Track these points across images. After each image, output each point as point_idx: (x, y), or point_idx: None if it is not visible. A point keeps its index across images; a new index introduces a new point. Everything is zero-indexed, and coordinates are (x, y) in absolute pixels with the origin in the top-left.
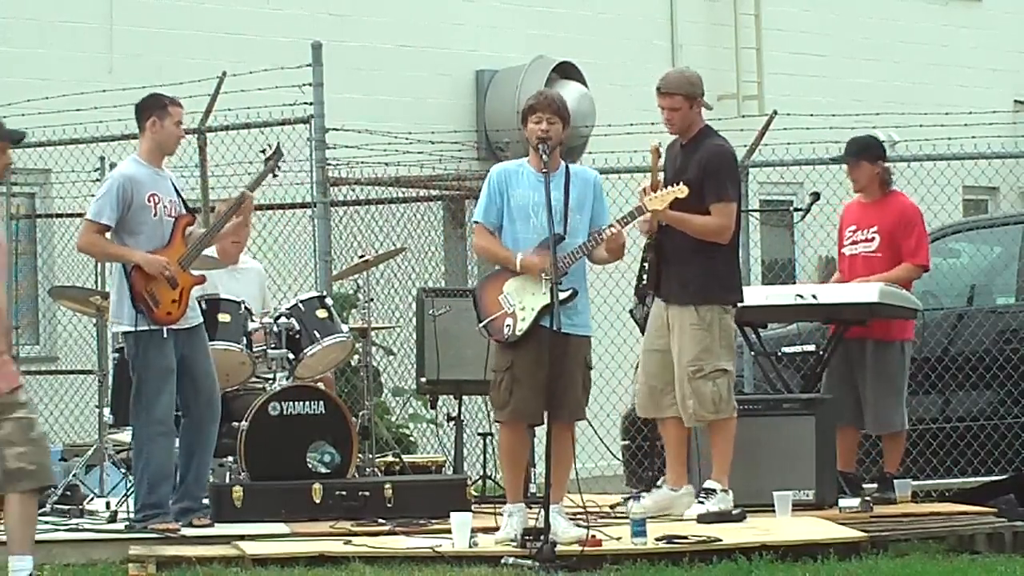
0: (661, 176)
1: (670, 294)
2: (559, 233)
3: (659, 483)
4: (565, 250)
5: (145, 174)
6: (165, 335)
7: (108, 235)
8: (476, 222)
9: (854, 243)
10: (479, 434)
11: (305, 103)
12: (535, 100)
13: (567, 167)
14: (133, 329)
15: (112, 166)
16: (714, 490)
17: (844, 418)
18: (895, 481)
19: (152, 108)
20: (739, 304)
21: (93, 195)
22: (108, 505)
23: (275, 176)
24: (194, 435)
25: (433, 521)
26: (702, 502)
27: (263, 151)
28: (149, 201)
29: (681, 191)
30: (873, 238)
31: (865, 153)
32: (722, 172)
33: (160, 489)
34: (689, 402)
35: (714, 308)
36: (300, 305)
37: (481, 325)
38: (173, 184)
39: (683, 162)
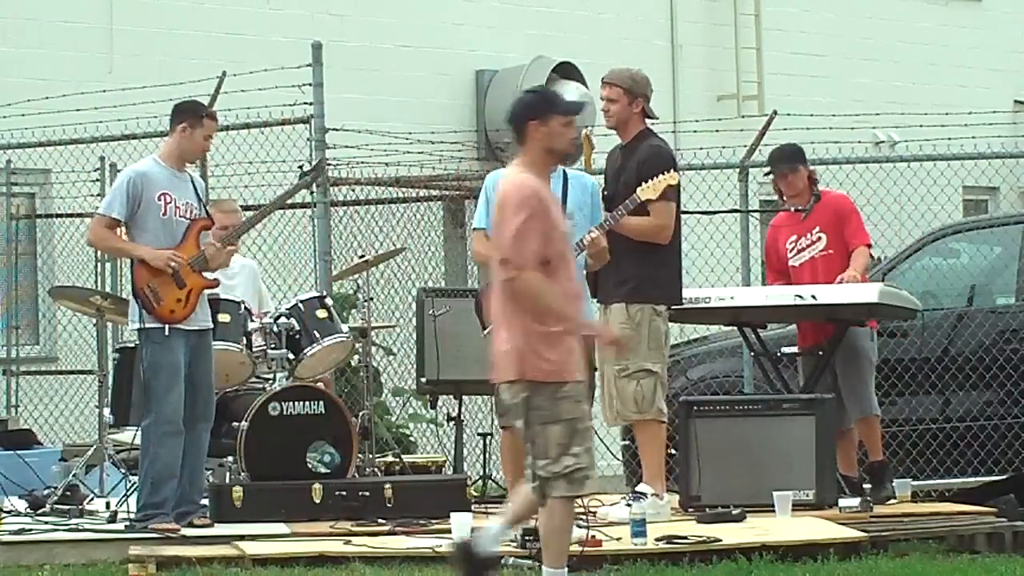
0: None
1: (606, 295)
2: None
3: (638, 489)
4: None
5: (160, 173)
6: (168, 332)
7: (121, 231)
8: (476, 229)
9: (801, 250)
10: (479, 434)
11: (305, 103)
12: None
13: (564, 172)
14: (139, 326)
15: (112, 166)
16: (644, 494)
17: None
18: (896, 481)
19: (188, 115)
20: (674, 306)
21: (93, 195)
22: (108, 505)
23: (318, 186)
24: (187, 439)
25: (433, 521)
26: (629, 504)
27: (300, 166)
28: (159, 200)
29: (672, 177)
30: (820, 238)
31: (796, 161)
32: (659, 171)
33: (163, 488)
34: (613, 402)
35: (645, 308)
36: (300, 305)
37: (486, 332)
38: (195, 187)
39: (622, 162)
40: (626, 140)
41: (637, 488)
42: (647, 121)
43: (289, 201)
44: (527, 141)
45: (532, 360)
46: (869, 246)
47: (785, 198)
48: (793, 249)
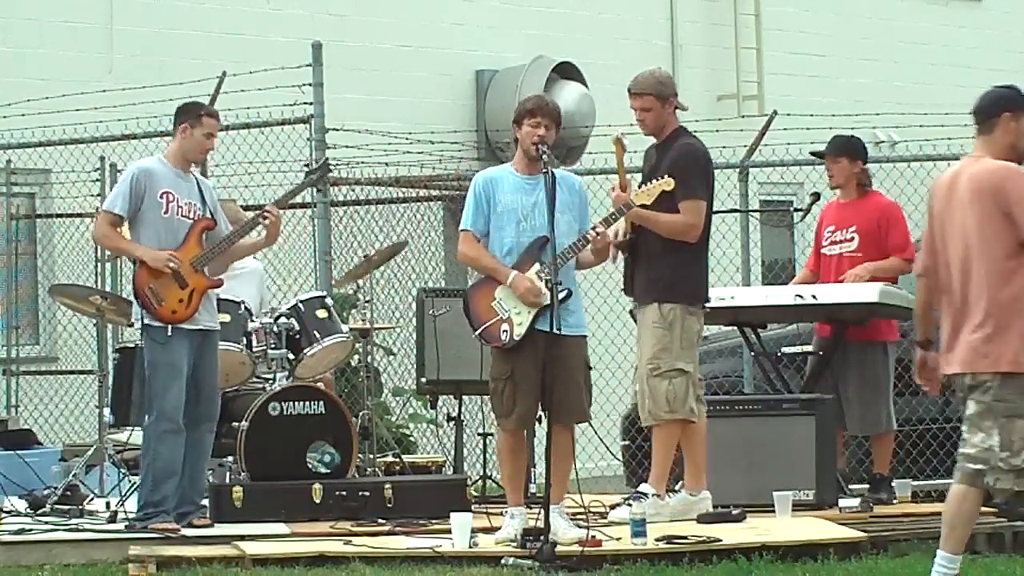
0: (637, 175)
1: (639, 293)
2: (547, 236)
3: (678, 487)
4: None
5: (164, 172)
6: (170, 333)
7: (125, 228)
8: (463, 230)
9: (833, 243)
10: (479, 434)
11: (305, 103)
12: (535, 104)
13: (553, 171)
14: (142, 324)
15: (112, 166)
16: (644, 494)
17: None
18: (895, 481)
19: (187, 115)
20: (706, 305)
21: (93, 195)
22: (108, 505)
23: (319, 190)
24: (190, 440)
25: (433, 521)
26: (630, 504)
27: (307, 165)
28: (161, 198)
29: (667, 183)
30: (852, 238)
31: (843, 151)
32: (692, 170)
33: (164, 486)
34: (646, 401)
35: (676, 308)
36: (300, 305)
37: (476, 333)
38: (200, 189)
39: (657, 161)
40: (661, 139)
41: (639, 488)
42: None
43: (289, 201)
44: (993, 131)
45: (1005, 351)
46: (908, 261)
47: (831, 186)
48: (828, 240)
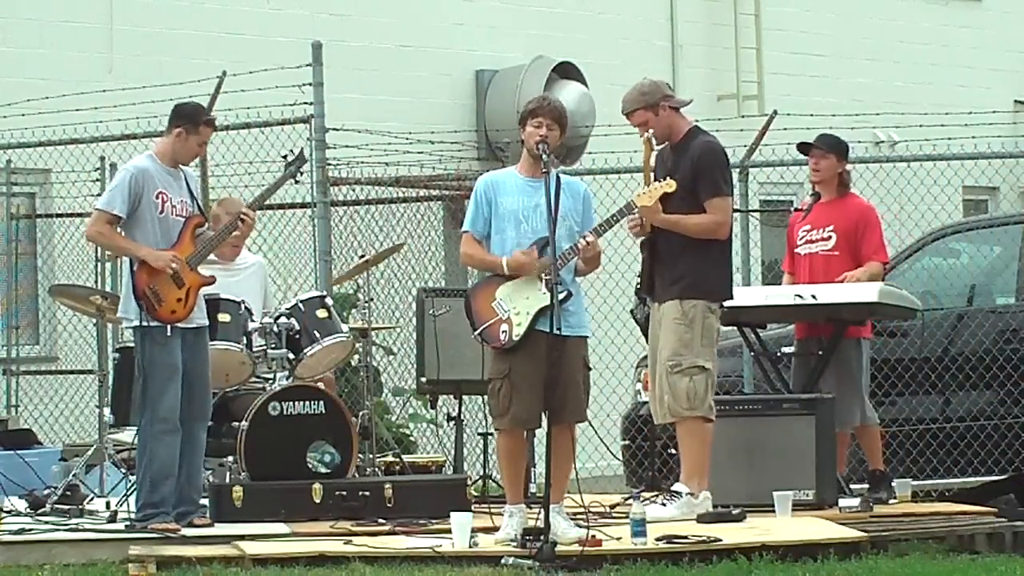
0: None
1: (661, 293)
2: (548, 236)
3: (674, 488)
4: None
5: (157, 171)
6: (169, 332)
7: (118, 229)
8: (464, 231)
9: (809, 242)
10: (479, 434)
11: (305, 103)
12: (537, 104)
13: (557, 176)
14: (138, 324)
15: (112, 166)
16: (679, 493)
17: None
18: (895, 481)
19: (185, 120)
20: (727, 303)
21: (93, 195)
22: (108, 505)
23: (297, 182)
24: (184, 438)
25: (433, 521)
26: (664, 504)
27: (284, 156)
28: (156, 198)
29: (669, 185)
30: (830, 237)
31: (834, 148)
32: (715, 168)
33: (162, 487)
34: (665, 397)
35: (699, 305)
36: (300, 305)
37: (476, 333)
38: (188, 185)
39: (674, 162)
40: (675, 141)
41: (673, 487)
42: (685, 112)
43: (289, 201)
44: None
45: None
46: (885, 264)
47: (812, 180)
48: (803, 239)
